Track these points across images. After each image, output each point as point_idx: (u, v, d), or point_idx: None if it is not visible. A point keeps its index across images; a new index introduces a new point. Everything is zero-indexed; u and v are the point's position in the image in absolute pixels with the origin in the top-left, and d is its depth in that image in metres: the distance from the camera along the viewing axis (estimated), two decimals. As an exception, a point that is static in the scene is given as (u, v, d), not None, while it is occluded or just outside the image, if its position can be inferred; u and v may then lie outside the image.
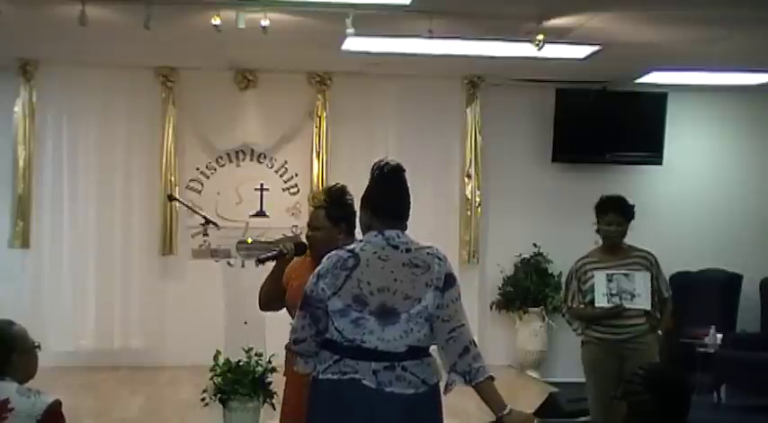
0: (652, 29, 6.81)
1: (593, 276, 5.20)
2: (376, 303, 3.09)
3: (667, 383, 3.04)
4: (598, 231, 5.32)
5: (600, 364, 5.19)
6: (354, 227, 4.00)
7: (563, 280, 8.89)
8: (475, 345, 3.18)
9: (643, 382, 3.05)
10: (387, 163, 3.26)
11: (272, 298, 4.14)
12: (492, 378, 3.17)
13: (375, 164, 3.26)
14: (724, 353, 7.83)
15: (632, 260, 5.22)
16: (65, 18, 6.29)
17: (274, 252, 4.06)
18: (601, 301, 5.16)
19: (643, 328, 5.16)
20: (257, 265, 4.10)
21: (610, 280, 5.17)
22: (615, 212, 5.29)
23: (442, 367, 3.21)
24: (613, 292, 5.16)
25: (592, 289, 5.19)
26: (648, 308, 5.14)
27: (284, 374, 4.06)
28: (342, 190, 4.02)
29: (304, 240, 4.10)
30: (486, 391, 3.15)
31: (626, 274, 5.17)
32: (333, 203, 3.99)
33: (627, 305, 5.11)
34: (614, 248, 5.26)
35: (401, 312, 3.10)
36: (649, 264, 5.22)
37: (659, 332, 5.26)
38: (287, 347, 3.39)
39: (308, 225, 4.04)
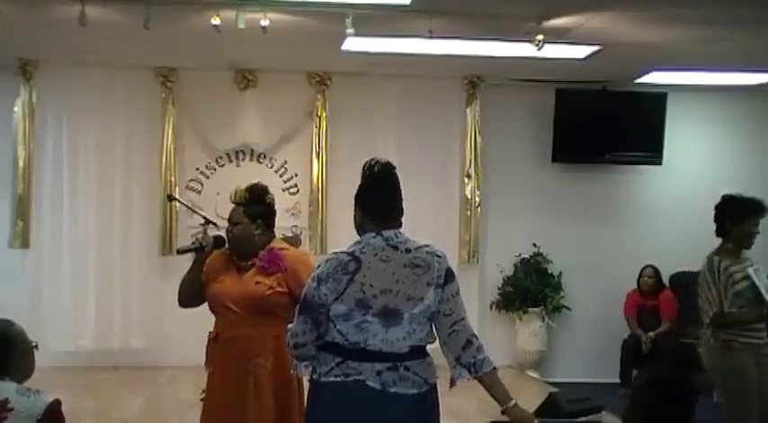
0: (652, 29, 6.81)
1: (741, 278, 4.98)
2: (379, 305, 3.09)
3: (671, 385, 3.03)
4: (727, 232, 5.11)
5: (747, 371, 4.96)
6: (273, 225, 4.18)
7: (563, 280, 9.01)
8: (476, 338, 3.21)
9: (650, 379, 3.05)
10: (377, 161, 3.24)
11: (192, 294, 4.22)
12: (495, 369, 3.21)
13: (366, 162, 3.25)
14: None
15: (748, 261, 5.07)
16: (64, 18, 6.29)
17: (195, 245, 4.16)
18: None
19: None
20: (178, 254, 4.19)
21: (758, 278, 4.97)
22: (764, 215, 5.10)
23: (446, 362, 3.22)
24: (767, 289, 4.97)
25: (743, 292, 4.97)
26: None
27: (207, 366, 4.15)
28: (264, 189, 4.18)
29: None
30: (491, 382, 3.18)
31: (758, 270, 5.00)
32: (252, 201, 4.13)
33: None
34: (739, 250, 5.09)
35: (404, 313, 3.10)
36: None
37: None
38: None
39: (228, 220, 4.15)
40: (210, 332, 4.19)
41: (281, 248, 4.15)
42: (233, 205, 4.15)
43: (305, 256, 4.33)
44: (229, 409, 4.03)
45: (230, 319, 4.08)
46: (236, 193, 4.16)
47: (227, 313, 4.08)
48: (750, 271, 5.00)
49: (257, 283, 4.05)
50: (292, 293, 3.95)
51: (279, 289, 4.04)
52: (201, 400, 4.18)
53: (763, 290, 4.96)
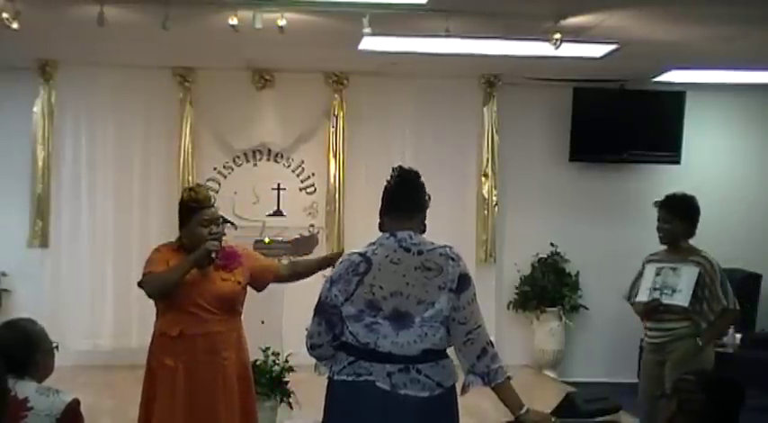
0: (670, 27, 6.78)
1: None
2: (389, 308, 3.09)
3: (725, 390, 2.97)
4: None
5: (645, 366, 5.11)
6: None
7: (580, 279, 8.99)
8: (492, 345, 3.19)
9: (700, 383, 2.99)
10: (405, 167, 3.31)
11: (171, 290, 4.19)
12: (509, 378, 3.19)
13: (393, 167, 3.31)
14: (743, 353, 7.78)
15: (689, 260, 4.99)
16: (83, 19, 6.33)
17: (215, 249, 4.16)
18: (642, 296, 5.01)
19: (680, 333, 4.93)
20: (210, 262, 4.16)
21: (657, 274, 5.01)
22: (661, 209, 5.16)
23: (459, 368, 3.22)
24: (657, 286, 4.98)
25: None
26: (685, 304, 4.87)
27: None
28: None
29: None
30: (503, 390, 3.18)
31: (674, 269, 4.97)
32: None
33: (665, 300, 4.91)
34: (675, 247, 5.07)
35: (415, 316, 3.09)
36: (704, 268, 4.94)
37: (698, 341, 4.91)
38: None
39: (214, 223, 4.17)
40: (159, 330, 4.29)
41: (230, 246, 4.30)
42: (204, 208, 4.17)
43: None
44: (200, 408, 4.09)
45: (200, 316, 4.15)
46: (206, 196, 4.21)
47: (198, 311, 4.15)
48: (648, 266, 5.11)
49: (224, 279, 4.17)
50: (255, 273, 4.25)
51: (243, 283, 4.23)
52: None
53: (647, 286, 5.03)
